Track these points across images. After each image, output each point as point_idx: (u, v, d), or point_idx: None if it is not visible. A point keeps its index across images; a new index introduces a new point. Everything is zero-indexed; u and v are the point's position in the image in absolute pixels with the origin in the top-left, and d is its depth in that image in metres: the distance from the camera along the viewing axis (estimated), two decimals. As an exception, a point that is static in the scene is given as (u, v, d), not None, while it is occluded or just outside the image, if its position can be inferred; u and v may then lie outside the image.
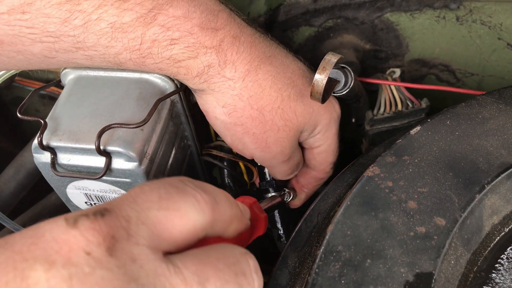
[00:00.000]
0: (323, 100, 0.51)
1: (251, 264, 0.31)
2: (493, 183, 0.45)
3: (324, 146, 0.59)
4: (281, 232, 0.66)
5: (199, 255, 0.29)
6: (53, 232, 0.25)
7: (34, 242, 0.24)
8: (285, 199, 0.65)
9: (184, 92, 0.57)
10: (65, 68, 0.56)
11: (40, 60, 0.45)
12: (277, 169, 0.59)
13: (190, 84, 0.50)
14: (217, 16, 0.47)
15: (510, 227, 0.45)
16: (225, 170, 0.67)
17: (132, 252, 0.26)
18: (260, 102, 0.51)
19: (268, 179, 0.65)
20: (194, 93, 0.54)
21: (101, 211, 0.26)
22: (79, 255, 0.24)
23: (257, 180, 0.68)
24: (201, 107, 0.54)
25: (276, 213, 0.67)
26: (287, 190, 0.65)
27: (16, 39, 0.42)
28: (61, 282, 0.23)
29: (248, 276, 0.30)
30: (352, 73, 0.55)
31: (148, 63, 0.46)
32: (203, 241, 0.31)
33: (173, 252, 0.29)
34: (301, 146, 0.61)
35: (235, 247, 0.31)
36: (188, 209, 0.29)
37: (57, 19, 0.41)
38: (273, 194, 0.65)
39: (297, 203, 0.67)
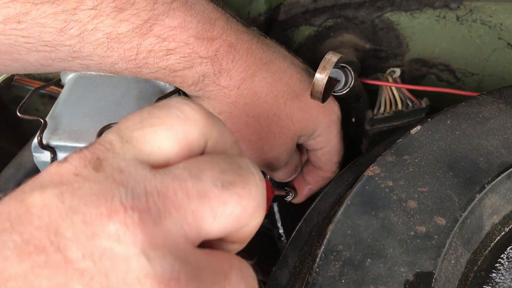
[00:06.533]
0: (324, 100, 0.51)
1: (247, 160, 0.29)
2: (493, 182, 0.45)
3: (327, 148, 0.59)
4: (281, 231, 0.66)
5: (190, 159, 0.28)
6: (48, 170, 0.26)
7: (32, 180, 0.26)
8: (286, 198, 0.65)
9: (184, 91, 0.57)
10: (65, 67, 0.56)
11: (36, 68, 0.45)
12: (275, 174, 0.60)
13: (186, 91, 0.50)
14: (214, 25, 0.47)
15: (510, 226, 0.45)
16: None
17: (119, 165, 0.26)
18: (255, 110, 0.51)
19: (267, 178, 0.65)
20: (191, 98, 0.54)
21: (87, 145, 0.27)
22: (69, 177, 0.25)
23: None
24: None
25: (277, 212, 0.67)
26: (288, 189, 0.65)
27: (12, 48, 0.42)
28: (54, 198, 0.24)
29: (245, 168, 0.28)
30: (352, 73, 0.55)
31: (144, 73, 0.46)
32: None
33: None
34: (305, 148, 0.61)
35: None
36: (174, 121, 0.27)
37: (53, 28, 0.41)
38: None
39: (300, 199, 0.67)
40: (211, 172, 0.26)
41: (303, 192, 0.66)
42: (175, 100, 0.28)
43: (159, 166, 0.27)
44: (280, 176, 0.60)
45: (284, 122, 0.53)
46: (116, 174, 0.25)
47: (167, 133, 0.27)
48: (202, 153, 0.29)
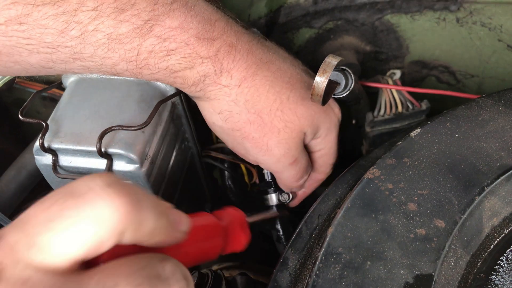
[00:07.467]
0: (324, 102, 0.51)
1: (167, 269, 0.29)
2: (492, 185, 0.45)
3: (325, 150, 0.59)
4: (280, 233, 0.66)
5: (107, 266, 0.28)
6: None
7: None
8: (284, 201, 0.65)
9: (185, 94, 0.57)
10: (66, 70, 0.56)
11: (38, 70, 0.45)
12: (285, 174, 0.57)
13: (187, 92, 0.50)
14: (214, 26, 0.47)
15: (509, 229, 0.46)
16: (226, 172, 0.67)
17: (21, 276, 0.25)
18: (257, 106, 0.51)
19: (267, 180, 0.65)
20: (192, 99, 0.54)
21: None
22: None
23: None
24: (200, 112, 0.54)
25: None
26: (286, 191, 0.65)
27: (13, 50, 0.42)
28: None
29: (163, 280, 0.28)
30: (352, 75, 0.55)
31: (145, 74, 0.46)
32: (118, 248, 0.28)
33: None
34: None
35: (152, 254, 0.30)
36: (82, 225, 0.26)
37: (54, 30, 0.41)
38: (271, 205, 0.65)
39: (295, 202, 0.67)
40: (125, 285, 0.26)
41: (297, 195, 0.66)
42: (90, 191, 0.27)
43: (70, 270, 0.26)
44: (291, 176, 0.58)
45: (288, 116, 0.53)
46: (18, 285, 0.25)
47: (74, 237, 0.26)
48: (119, 245, 0.28)
